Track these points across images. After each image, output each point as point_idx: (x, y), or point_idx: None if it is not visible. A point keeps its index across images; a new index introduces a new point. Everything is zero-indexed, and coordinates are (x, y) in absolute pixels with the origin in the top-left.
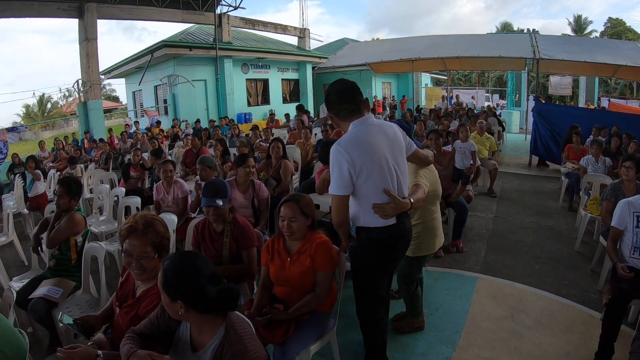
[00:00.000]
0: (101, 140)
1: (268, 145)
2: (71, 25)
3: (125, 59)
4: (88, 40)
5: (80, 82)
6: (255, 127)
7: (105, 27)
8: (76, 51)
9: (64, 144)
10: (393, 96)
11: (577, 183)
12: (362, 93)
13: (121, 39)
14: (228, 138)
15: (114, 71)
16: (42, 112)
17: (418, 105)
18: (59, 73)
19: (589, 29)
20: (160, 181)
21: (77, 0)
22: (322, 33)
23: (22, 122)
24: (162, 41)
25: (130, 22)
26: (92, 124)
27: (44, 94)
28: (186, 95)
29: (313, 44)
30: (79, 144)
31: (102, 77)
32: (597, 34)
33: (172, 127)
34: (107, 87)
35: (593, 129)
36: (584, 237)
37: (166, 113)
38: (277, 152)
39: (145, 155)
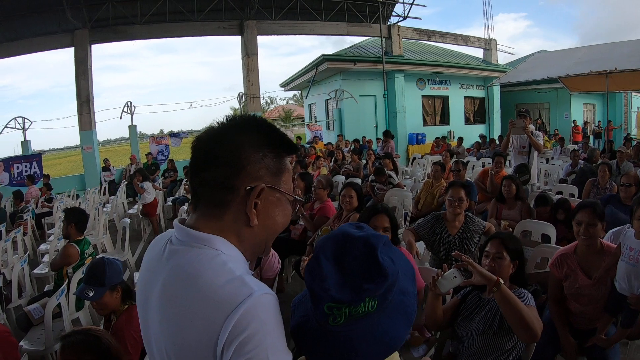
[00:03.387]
0: None
1: (340, 191)
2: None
3: (296, 73)
4: (249, 56)
5: (242, 95)
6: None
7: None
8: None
9: None
10: (599, 122)
11: None
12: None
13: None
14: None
15: (291, 84)
16: None
17: (628, 134)
18: None
19: None
20: None
21: (237, 18)
22: (529, 47)
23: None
24: (323, 55)
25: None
26: None
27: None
28: (353, 111)
29: (506, 58)
30: None
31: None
32: None
33: (327, 144)
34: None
35: None
36: None
37: (333, 128)
38: (350, 202)
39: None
